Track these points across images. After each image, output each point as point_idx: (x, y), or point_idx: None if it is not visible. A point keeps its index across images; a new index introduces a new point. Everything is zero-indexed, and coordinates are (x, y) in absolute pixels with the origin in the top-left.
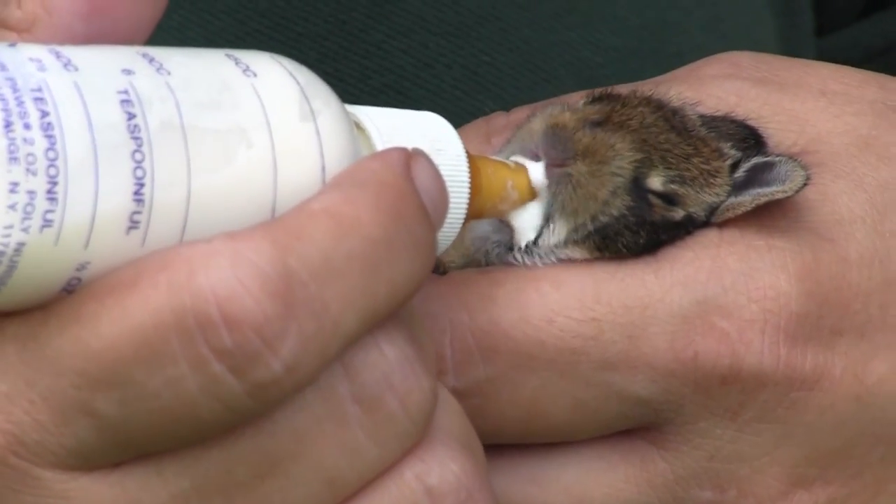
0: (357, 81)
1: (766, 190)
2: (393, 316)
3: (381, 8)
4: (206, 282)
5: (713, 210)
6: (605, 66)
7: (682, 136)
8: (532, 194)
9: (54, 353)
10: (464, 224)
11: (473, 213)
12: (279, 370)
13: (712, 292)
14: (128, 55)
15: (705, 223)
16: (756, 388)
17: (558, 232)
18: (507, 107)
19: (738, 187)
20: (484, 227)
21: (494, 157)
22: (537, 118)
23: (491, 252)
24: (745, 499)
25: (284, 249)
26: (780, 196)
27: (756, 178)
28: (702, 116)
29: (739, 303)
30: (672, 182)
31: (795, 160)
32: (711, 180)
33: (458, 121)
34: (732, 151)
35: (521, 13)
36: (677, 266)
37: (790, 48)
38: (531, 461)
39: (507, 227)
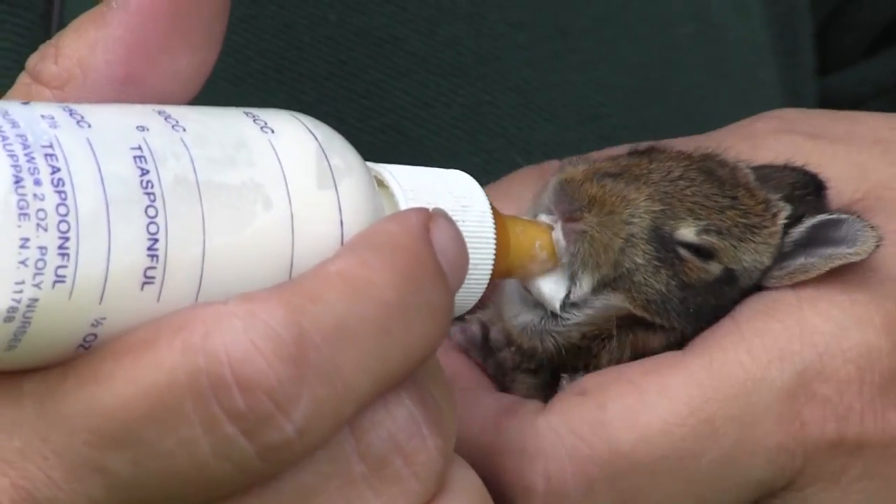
0: (357, 121)
1: (841, 251)
2: (405, 378)
3: (380, 48)
4: (221, 343)
5: (764, 271)
6: (606, 104)
7: (719, 187)
8: (556, 255)
9: (69, 411)
10: (491, 281)
11: (502, 272)
12: (291, 433)
13: (809, 360)
14: (143, 112)
15: (758, 287)
16: (857, 449)
17: (585, 286)
18: (508, 147)
19: (802, 244)
20: (525, 319)
21: (523, 217)
22: (555, 174)
23: (536, 335)
24: None
25: (298, 313)
26: (854, 259)
27: (820, 234)
28: (758, 167)
29: (836, 365)
30: (705, 232)
31: (862, 219)
32: (753, 234)
33: (458, 160)
34: (782, 204)
35: (521, 53)
36: (768, 340)
37: (792, 87)
38: None
39: (540, 305)
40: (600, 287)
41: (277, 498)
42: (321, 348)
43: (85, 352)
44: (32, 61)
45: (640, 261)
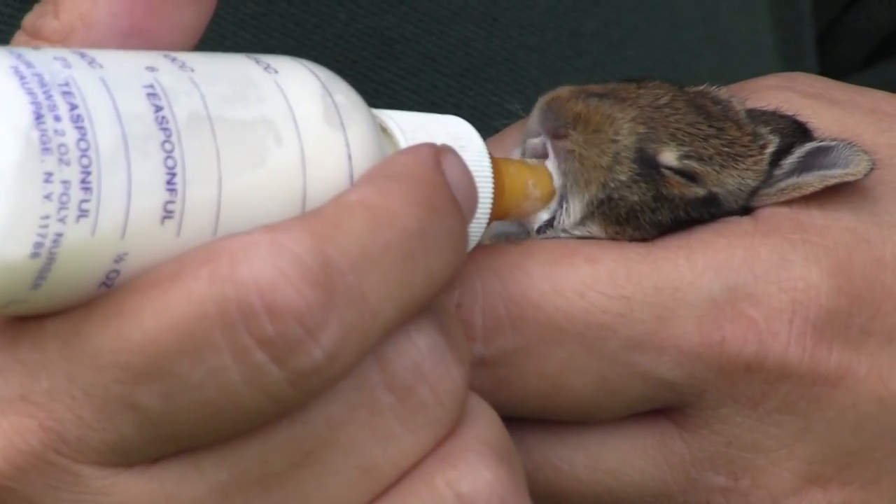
0: None
1: (836, 172)
2: (426, 306)
3: (390, 48)
4: (249, 272)
5: (750, 195)
6: None
7: (706, 118)
8: (553, 193)
9: (96, 348)
10: (489, 223)
11: (499, 214)
12: (320, 358)
13: (743, 280)
14: (150, 55)
15: (745, 210)
16: (779, 378)
17: (574, 209)
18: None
19: (794, 172)
20: (503, 226)
21: (513, 158)
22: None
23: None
24: (758, 490)
25: (323, 240)
26: (849, 179)
27: (812, 163)
28: (749, 110)
29: (770, 292)
30: (687, 158)
31: (855, 145)
32: (736, 161)
33: None
34: (771, 137)
35: (530, 55)
36: (710, 252)
37: None
38: (552, 424)
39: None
40: (587, 212)
41: (306, 429)
42: (347, 274)
43: (108, 290)
44: (30, 19)
45: (623, 178)
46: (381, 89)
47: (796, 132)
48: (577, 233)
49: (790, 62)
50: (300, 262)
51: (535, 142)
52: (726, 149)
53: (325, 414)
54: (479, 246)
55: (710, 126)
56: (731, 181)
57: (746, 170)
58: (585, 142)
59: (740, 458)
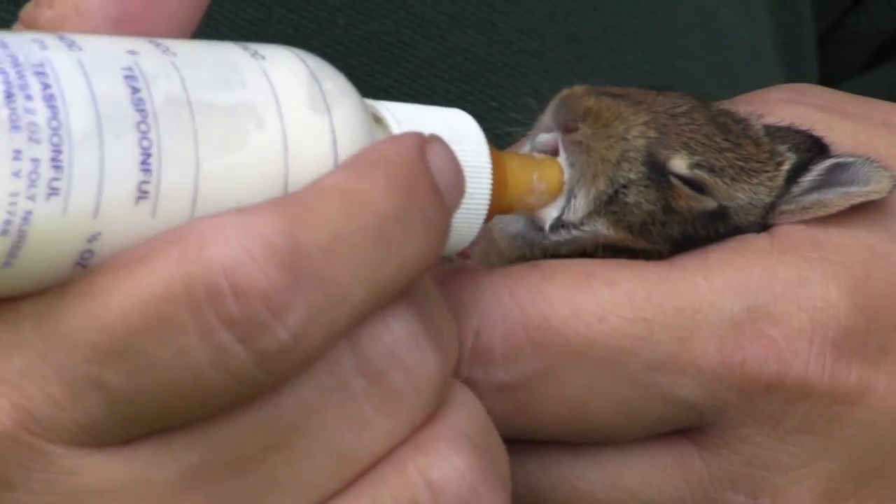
0: None
1: (859, 189)
2: (402, 292)
3: (389, 54)
4: (216, 253)
5: (766, 211)
6: None
7: (723, 132)
8: (561, 187)
9: (67, 328)
10: (489, 216)
11: (501, 208)
12: (286, 339)
13: (763, 299)
14: (134, 40)
15: (763, 227)
16: (799, 397)
17: (581, 203)
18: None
19: (813, 189)
20: (517, 227)
21: (519, 153)
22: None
23: (525, 245)
24: None
25: (293, 222)
26: (874, 197)
27: (830, 180)
28: (766, 126)
29: (789, 311)
30: (698, 167)
31: (874, 161)
32: (749, 176)
33: None
34: (789, 154)
35: (529, 60)
36: (728, 271)
37: None
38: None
39: (536, 223)
40: (594, 207)
41: (277, 412)
42: (316, 257)
43: (83, 271)
44: (26, 10)
45: (633, 177)
46: (379, 95)
47: (812, 147)
48: (586, 228)
49: (791, 66)
50: (268, 244)
51: (547, 137)
52: (740, 163)
53: (297, 398)
54: (498, 270)
55: (725, 140)
56: (741, 195)
57: (759, 185)
58: (594, 135)
59: (760, 478)
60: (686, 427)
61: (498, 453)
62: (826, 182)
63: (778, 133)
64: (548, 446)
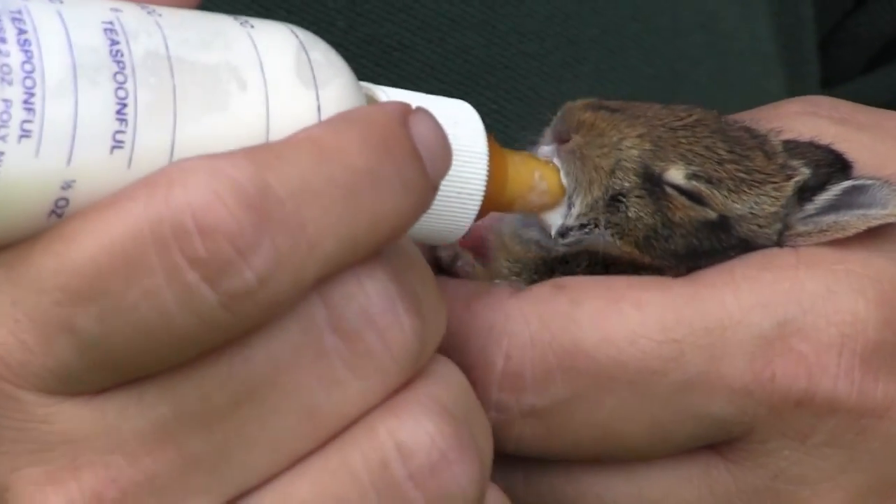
0: None
1: (878, 213)
2: (378, 254)
3: (389, 56)
4: (183, 194)
5: (775, 224)
6: None
7: (729, 143)
8: (563, 191)
9: (39, 271)
10: (487, 209)
11: (503, 204)
12: (252, 280)
13: (792, 314)
14: (122, 2)
15: (774, 241)
16: (828, 412)
17: (579, 211)
18: None
19: (830, 209)
20: (532, 234)
21: (523, 151)
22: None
23: (539, 250)
24: None
25: (264, 167)
26: (892, 220)
27: (849, 200)
28: (786, 142)
29: (818, 325)
30: (695, 178)
31: (892, 184)
32: (751, 187)
33: None
34: (803, 169)
35: (529, 62)
36: (756, 287)
37: None
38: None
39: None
40: (593, 214)
41: (248, 367)
42: (285, 202)
43: (59, 220)
44: None
45: (627, 185)
46: None
47: (834, 164)
48: (588, 233)
49: (792, 68)
50: (237, 186)
51: (546, 150)
52: (741, 174)
53: (268, 352)
54: (524, 290)
55: (730, 151)
56: (740, 206)
57: (763, 195)
58: (587, 144)
59: (786, 491)
60: (714, 442)
61: (477, 427)
62: (843, 203)
63: (798, 149)
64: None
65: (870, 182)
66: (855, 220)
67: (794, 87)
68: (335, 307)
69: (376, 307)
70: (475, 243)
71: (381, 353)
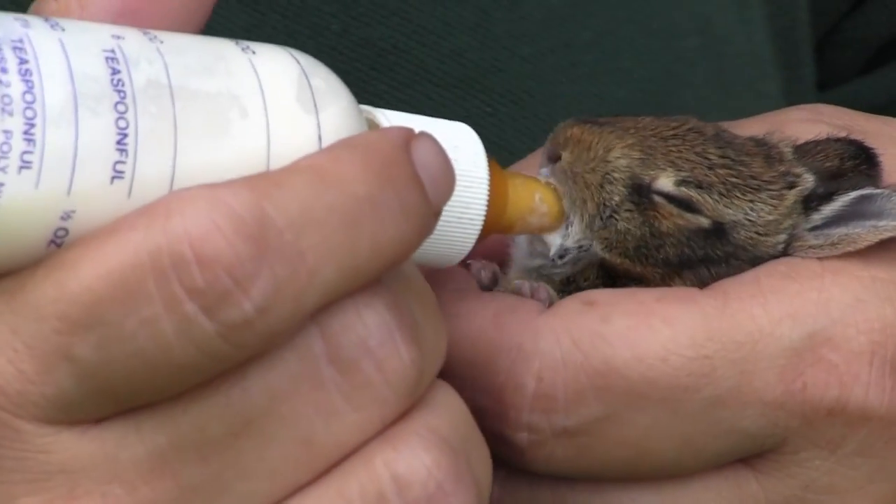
0: None
1: (889, 224)
2: (377, 282)
3: (384, 59)
4: (182, 224)
5: (778, 232)
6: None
7: (723, 149)
8: (563, 213)
9: (38, 299)
10: (488, 231)
11: (503, 226)
12: (250, 311)
13: (821, 324)
14: (123, 28)
15: (781, 253)
16: (860, 421)
17: (577, 229)
18: (510, 159)
19: (841, 218)
20: (533, 263)
21: (523, 173)
22: None
23: (540, 277)
24: None
25: (262, 196)
26: None
27: (859, 209)
28: (803, 144)
29: (848, 335)
30: (684, 183)
31: None
32: (744, 193)
33: None
34: (807, 176)
35: (524, 65)
36: (785, 298)
37: (793, 101)
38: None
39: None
40: (589, 232)
41: (245, 398)
42: (284, 231)
43: (57, 250)
44: (33, 6)
45: (617, 199)
46: (374, 100)
47: (859, 154)
48: (585, 252)
49: (788, 70)
50: (235, 216)
51: (544, 171)
52: (734, 179)
53: (265, 382)
54: (553, 307)
55: (722, 157)
56: (732, 211)
57: (759, 202)
58: (575, 160)
59: (814, 501)
60: (745, 455)
61: (475, 455)
62: (852, 213)
63: (819, 148)
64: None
65: (878, 192)
66: (866, 233)
67: (790, 90)
68: (332, 338)
69: (374, 338)
70: (499, 253)
71: (378, 384)
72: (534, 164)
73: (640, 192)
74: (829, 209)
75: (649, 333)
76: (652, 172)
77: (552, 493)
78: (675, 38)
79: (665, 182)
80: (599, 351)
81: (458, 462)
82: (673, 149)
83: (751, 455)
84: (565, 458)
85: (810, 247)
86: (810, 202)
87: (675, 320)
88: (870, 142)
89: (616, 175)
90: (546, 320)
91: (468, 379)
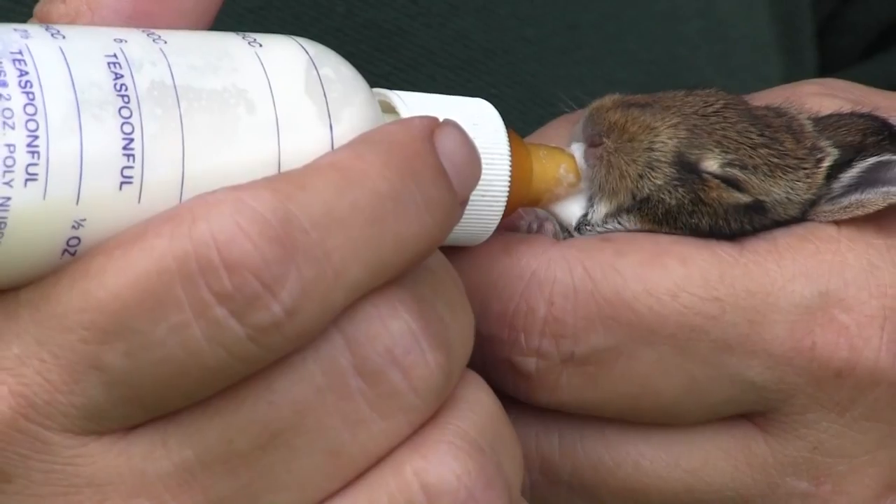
0: None
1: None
2: (401, 286)
3: (388, 41)
4: (208, 228)
5: (807, 207)
6: None
7: (759, 127)
8: (580, 177)
9: (64, 309)
10: (514, 207)
11: (529, 199)
12: (279, 313)
13: (834, 285)
14: (126, 30)
15: (798, 219)
16: (869, 385)
17: (602, 211)
18: None
19: (854, 186)
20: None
21: (547, 144)
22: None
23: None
24: (839, 496)
25: (286, 198)
26: None
27: (872, 177)
28: (823, 117)
29: (860, 298)
30: (730, 165)
31: None
32: (785, 172)
33: None
34: (831, 150)
35: (529, 47)
36: (799, 257)
37: None
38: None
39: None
40: (616, 213)
41: (272, 411)
42: (309, 232)
43: (72, 259)
44: (40, 7)
45: (659, 182)
46: (379, 82)
47: (881, 130)
48: (609, 226)
49: (790, 55)
50: (260, 219)
51: (575, 146)
52: (775, 159)
53: (292, 395)
54: (570, 242)
55: (760, 135)
56: (776, 190)
57: (797, 181)
58: (616, 150)
59: (823, 464)
60: (751, 411)
61: (504, 453)
62: (868, 180)
63: (841, 122)
64: (613, 423)
65: (894, 158)
66: (876, 198)
67: (792, 74)
68: (358, 349)
69: (399, 347)
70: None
71: (405, 391)
72: (551, 134)
73: (688, 169)
74: (848, 176)
75: (662, 270)
76: (698, 152)
77: (560, 444)
78: (678, 22)
79: (711, 163)
80: (610, 281)
81: (488, 466)
82: (717, 127)
83: (757, 412)
84: (571, 388)
85: (823, 212)
86: (832, 171)
87: (689, 261)
88: (883, 113)
89: (662, 160)
90: (561, 250)
91: (480, 304)
